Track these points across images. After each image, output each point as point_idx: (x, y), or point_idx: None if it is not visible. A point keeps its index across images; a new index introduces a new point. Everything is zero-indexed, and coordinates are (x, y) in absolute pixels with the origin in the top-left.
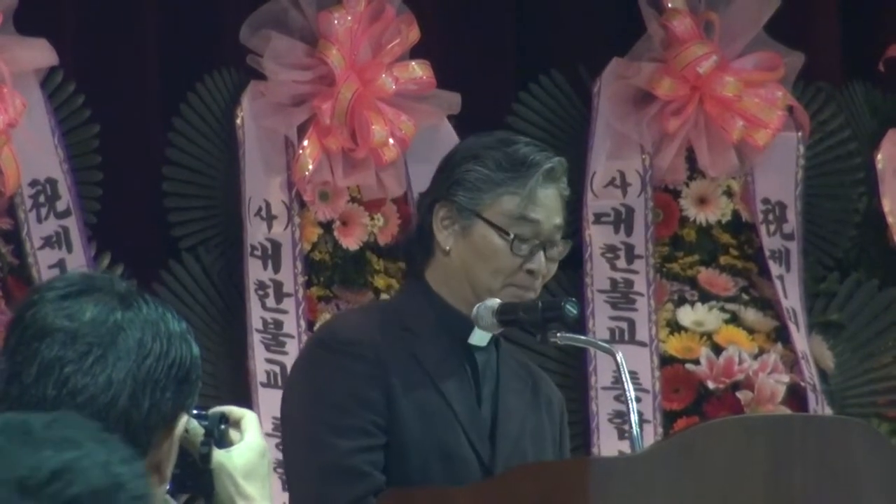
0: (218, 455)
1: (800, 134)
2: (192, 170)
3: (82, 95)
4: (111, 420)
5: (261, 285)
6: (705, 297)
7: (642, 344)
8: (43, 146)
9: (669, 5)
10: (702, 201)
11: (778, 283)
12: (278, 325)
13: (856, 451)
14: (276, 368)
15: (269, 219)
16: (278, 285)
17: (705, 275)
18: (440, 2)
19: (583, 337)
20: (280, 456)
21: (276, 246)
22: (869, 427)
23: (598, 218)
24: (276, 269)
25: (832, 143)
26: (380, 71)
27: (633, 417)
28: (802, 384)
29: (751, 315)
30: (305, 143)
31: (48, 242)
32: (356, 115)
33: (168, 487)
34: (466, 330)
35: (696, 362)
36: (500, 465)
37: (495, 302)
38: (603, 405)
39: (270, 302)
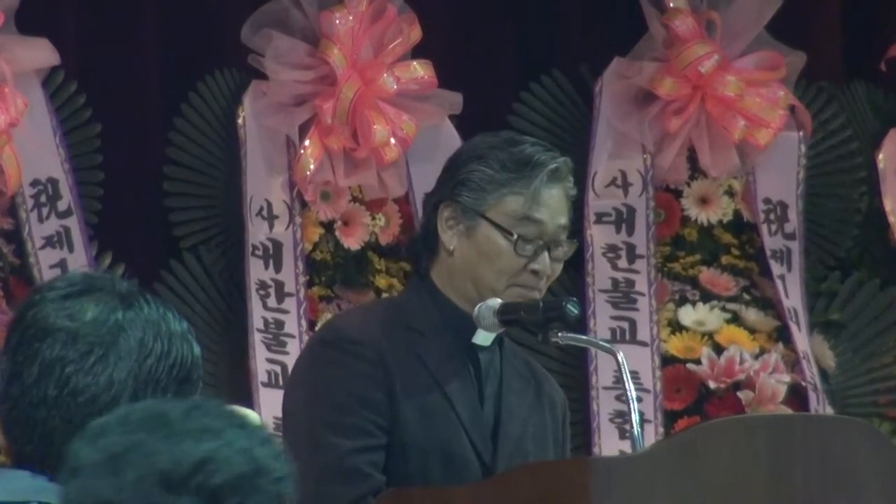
0: None
1: (801, 133)
2: (193, 169)
3: (83, 95)
4: None
5: (262, 285)
6: (706, 296)
7: (643, 344)
8: (44, 146)
9: (671, 5)
10: (703, 201)
11: (779, 283)
12: (279, 324)
13: (857, 450)
14: (277, 368)
15: (271, 218)
16: (279, 285)
17: (706, 274)
18: (442, 1)
19: (584, 337)
20: None
21: (278, 246)
22: (870, 427)
23: (600, 218)
24: (278, 269)
25: (834, 142)
26: (381, 70)
27: (635, 417)
28: (803, 384)
29: (752, 315)
30: (307, 142)
31: (49, 242)
32: (357, 114)
33: None
34: (470, 330)
35: (698, 362)
36: (501, 466)
37: (496, 302)
38: (604, 405)
39: (272, 302)
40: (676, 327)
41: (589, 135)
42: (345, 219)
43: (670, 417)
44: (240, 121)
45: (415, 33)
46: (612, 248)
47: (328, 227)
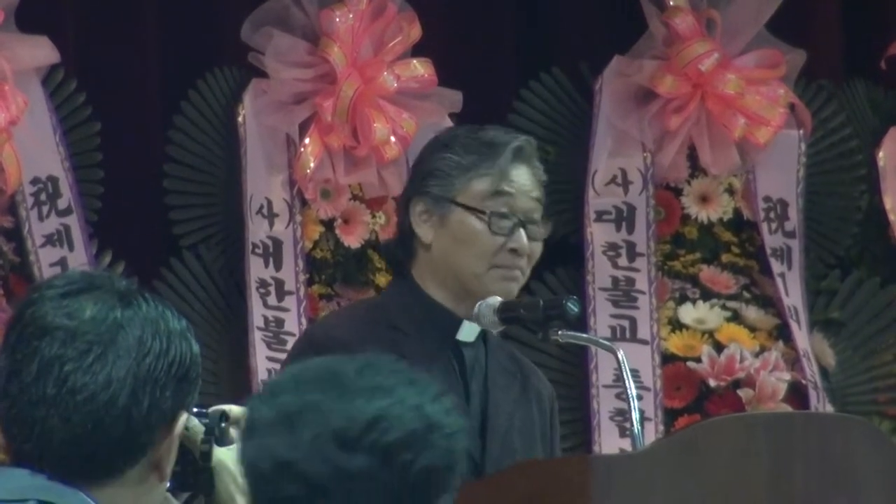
0: (218, 453)
1: (801, 131)
2: (193, 167)
3: (83, 93)
4: (111, 418)
5: (262, 283)
6: (707, 294)
7: (644, 342)
8: (44, 144)
9: (671, 3)
10: (703, 199)
11: (779, 281)
12: (280, 323)
13: (857, 448)
14: (278, 366)
15: (271, 217)
16: (280, 283)
17: (707, 273)
18: None
19: (584, 335)
20: None
21: (278, 244)
22: (870, 425)
23: (600, 216)
24: (278, 267)
25: (833, 140)
26: (381, 69)
27: (635, 415)
28: (803, 382)
29: (752, 313)
30: (307, 140)
31: (49, 240)
32: (358, 112)
33: (168, 485)
34: (454, 326)
35: (698, 360)
36: (489, 461)
37: (496, 300)
38: (604, 403)
39: (272, 300)
40: (676, 325)
41: (589, 133)
42: (345, 217)
43: (670, 415)
44: (240, 119)
45: (415, 31)
46: (613, 247)
47: (328, 225)
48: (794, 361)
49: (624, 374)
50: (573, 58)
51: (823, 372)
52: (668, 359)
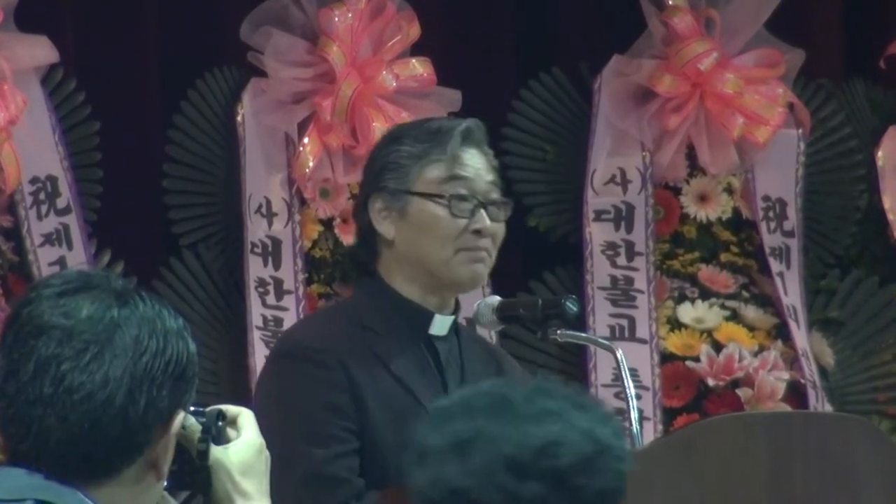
0: (215, 452)
1: (800, 131)
2: (192, 167)
3: (83, 93)
4: (108, 417)
5: (261, 282)
6: (705, 294)
7: (642, 341)
8: (43, 143)
9: (670, 2)
10: (702, 198)
11: (778, 281)
12: (278, 322)
13: (856, 448)
14: None
15: (270, 216)
16: (279, 282)
17: (706, 272)
18: None
19: (583, 334)
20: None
21: (277, 243)
22: (869, 424)
23: (599, 215)
24: (277, 267)
25: (833, 140)
26: (380, 68)
27: (634, 414)
28: (802, 381)
29: (751, 312)
30: (306, 140)
31: (48, 240)
32: (357, 112)
33: (165, 484)
34: (426, 321)
35: (697, 359)
36: None
37: (495, 299)
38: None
39: (271, 299)
40: (675, 325)
41: (588, 132)
42: (344, 216)
43: (669, 415)
44: (239, 118)
45: (414, 31)
46: (611, 246)
47: (327, 224)
48: (792, 361)
49: (623, 373)
50: (573, 57)
51: (822, 371)
52: (666, 358)
